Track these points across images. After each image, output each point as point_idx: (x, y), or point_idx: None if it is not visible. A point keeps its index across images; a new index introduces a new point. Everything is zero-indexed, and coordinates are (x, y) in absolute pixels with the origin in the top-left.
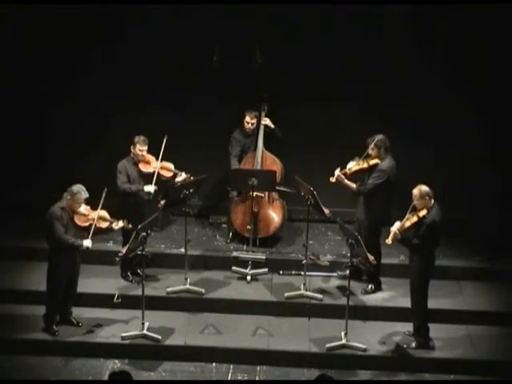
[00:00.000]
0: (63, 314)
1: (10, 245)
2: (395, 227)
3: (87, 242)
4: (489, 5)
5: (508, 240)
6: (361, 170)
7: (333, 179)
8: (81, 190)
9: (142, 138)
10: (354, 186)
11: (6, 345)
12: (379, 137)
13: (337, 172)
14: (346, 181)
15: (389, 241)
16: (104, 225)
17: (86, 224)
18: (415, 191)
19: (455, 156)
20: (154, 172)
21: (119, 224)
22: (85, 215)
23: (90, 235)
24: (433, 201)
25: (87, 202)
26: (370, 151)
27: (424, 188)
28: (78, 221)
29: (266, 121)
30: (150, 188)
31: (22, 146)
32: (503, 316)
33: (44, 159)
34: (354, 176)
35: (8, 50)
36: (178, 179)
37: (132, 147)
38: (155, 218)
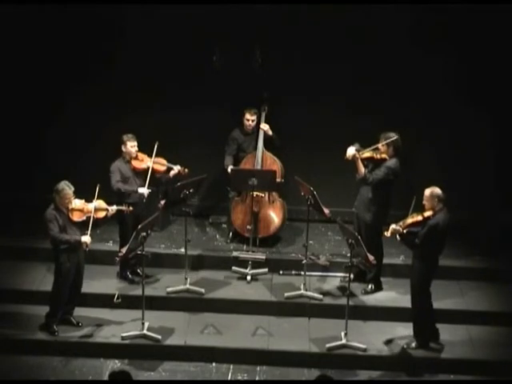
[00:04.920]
0: (64, 313)
1: (9, 245)
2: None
3: (85, 238)
4: (491, 5)
5: (508, 240)
6: (370, 159)
7: (349, 157)
8: (65, 186)
9: (129, 135)
10: (363, 170)
11: (6, 345)
12: (393, 136)
13: (353, 151)
14: (360, 162)
15: (388, 234)
16: (102, 214)
17: (84, 218)
18: (427, 191)
19: (456, 156)
20: (147, 168)
21: (114, 207)
22: (80, 210)
23: (90, 230)
24: (442, 205)
25: (83, 198)
26: (380, 146)
27: (437, 190)
28: (75, 217)
29: (266, 127)
30: (144, 190)
31: (22, 146)
32: (503, 316)
33: (44, 159)
34: (362, 163)
35: (8, 50)
36: (172, 173)
37: (123, 146)
38: (155, 218)
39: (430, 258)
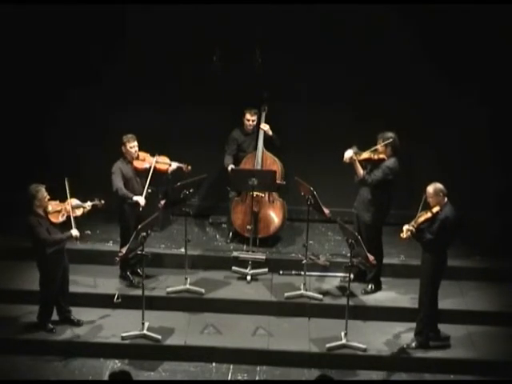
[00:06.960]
0: (62, 313)
1: (10, 245)
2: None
3: (74, 232)
4: (488, 4)
5: (508, 240)
6: (369, 159)
7: (346, 159)
8: (38, 187)
9: (129, 135)
10: (361, 172)
11: (5, 345)
12: (390, 135)
13: (350, 153)
14: (358, 164)
15: (403, 235)
16: (79, 212)
17: (64, 218)
18: (429, 188)
19: (456, 156)
20: (149, 167)
21: (89, 203)
22: (58, 211)
23: (74, 226)
24: (446, 198)
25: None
26: (378, 146)
27: (438, 185)
28: (55, 218)
29: (266, 127)
30: (140, 198)
31: (23, 146)
32: (503, 316)
33: (44, 159)
34: (361, 164)
35: (8, 49)
36: (171, 168)
37: (123, 147)
38: (155, 218)
39: (441, 251)
